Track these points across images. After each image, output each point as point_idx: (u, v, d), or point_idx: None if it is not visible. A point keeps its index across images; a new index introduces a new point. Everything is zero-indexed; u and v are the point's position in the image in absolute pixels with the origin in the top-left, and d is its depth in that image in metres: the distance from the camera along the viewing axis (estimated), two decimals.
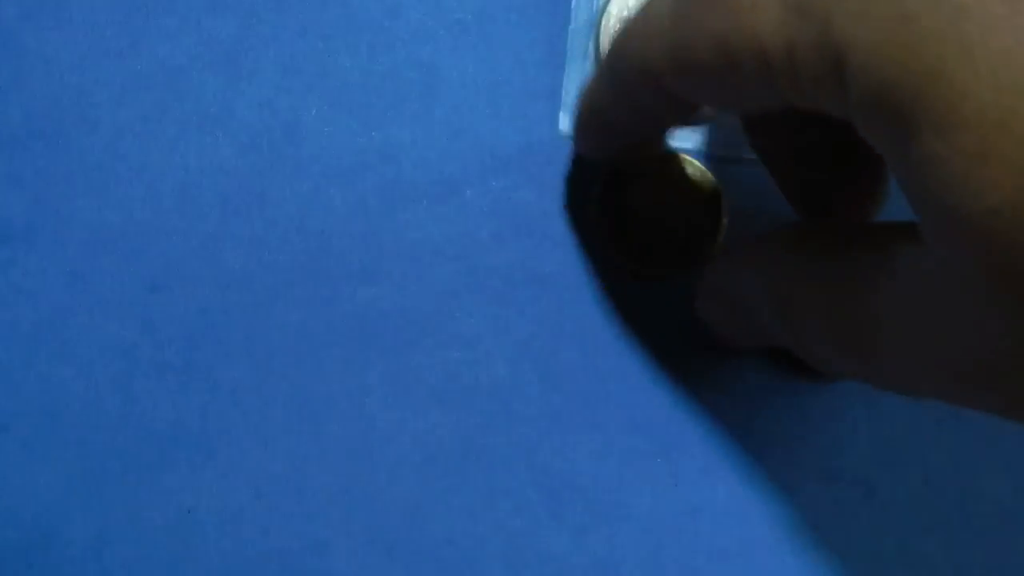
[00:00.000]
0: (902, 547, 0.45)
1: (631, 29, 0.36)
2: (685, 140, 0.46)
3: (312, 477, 0.46)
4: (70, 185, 0.47)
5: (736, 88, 0.34)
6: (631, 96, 0.37)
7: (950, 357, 0.32)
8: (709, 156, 0.46)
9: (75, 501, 0.46)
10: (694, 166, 0.45)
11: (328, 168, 0.47)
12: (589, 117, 0.40)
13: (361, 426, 0.46)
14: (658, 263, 0.45)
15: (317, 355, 0.46)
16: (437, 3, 0.47)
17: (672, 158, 0.45)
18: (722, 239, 0.45)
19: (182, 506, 0.46)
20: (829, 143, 0.40)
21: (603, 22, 0.46)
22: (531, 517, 0.45)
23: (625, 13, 0.46)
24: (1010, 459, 0.45)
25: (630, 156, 0.43)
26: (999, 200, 0.29)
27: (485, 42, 0.47)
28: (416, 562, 0.45)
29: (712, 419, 0.46)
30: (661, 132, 0.42)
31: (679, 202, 0.45)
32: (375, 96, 0.47)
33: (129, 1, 0.47)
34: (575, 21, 0.47)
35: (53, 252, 0.46)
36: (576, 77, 0.47)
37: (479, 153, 0.46)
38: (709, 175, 0.45)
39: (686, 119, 0.38)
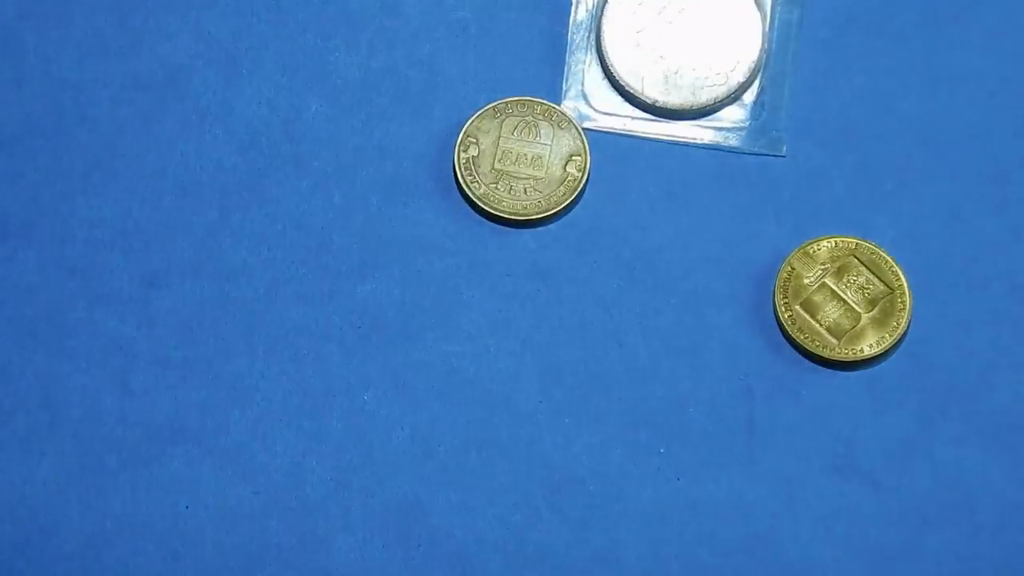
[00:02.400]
0: (907, 541, 0.45)
1: None
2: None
3: (311, 472, 0.46)
4: (69, 182, 0.47)
5: None
6: None
7: None
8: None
9: (73, 497, 0.46)
10: None
11: (327, 165, 0.47)
12: None
13: (361, 420, 0.46)
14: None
15: (316, 350, 0.47)
16: (437, 2, 0.48)
17: None
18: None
19: (180, 501, 0.46)
20: None
21: (605, 12, 0.47)
22: (531, 511, 0.46)
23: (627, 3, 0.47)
24: (1016, 454, 0.46)
25: None
26: None
27: (485, 41, 0.48)
28: (416, 557, 0.46)
29: (714, 412, 0.46)
30: None
31: None
32: (374, 94, 0.48)
33: (129, 1, 0.48)
34: (575, 14, 0.48)
35: (52, 248, 0.47)
36: (577, 71, 0.47)
37: None
38: None
39: None
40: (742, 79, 0.47)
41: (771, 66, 0.47)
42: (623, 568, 0.45)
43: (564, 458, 0.46)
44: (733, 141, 0.47)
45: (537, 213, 0.47)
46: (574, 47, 0.48)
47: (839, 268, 0.46)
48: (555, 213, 0.47)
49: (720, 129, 0.47)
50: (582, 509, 0.46)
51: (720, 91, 0.47)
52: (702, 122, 0.47)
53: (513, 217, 0.47)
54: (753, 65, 0.47)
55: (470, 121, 0.47)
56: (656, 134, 0.47)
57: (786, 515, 0.46)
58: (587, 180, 0.47)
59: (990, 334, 0.46)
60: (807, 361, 0.46)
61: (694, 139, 0.47)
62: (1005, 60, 0.48)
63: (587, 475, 0.46)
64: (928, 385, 0.46)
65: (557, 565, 0.46)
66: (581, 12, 0.48)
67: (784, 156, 0.47)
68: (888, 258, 0.46)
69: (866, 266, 0.46)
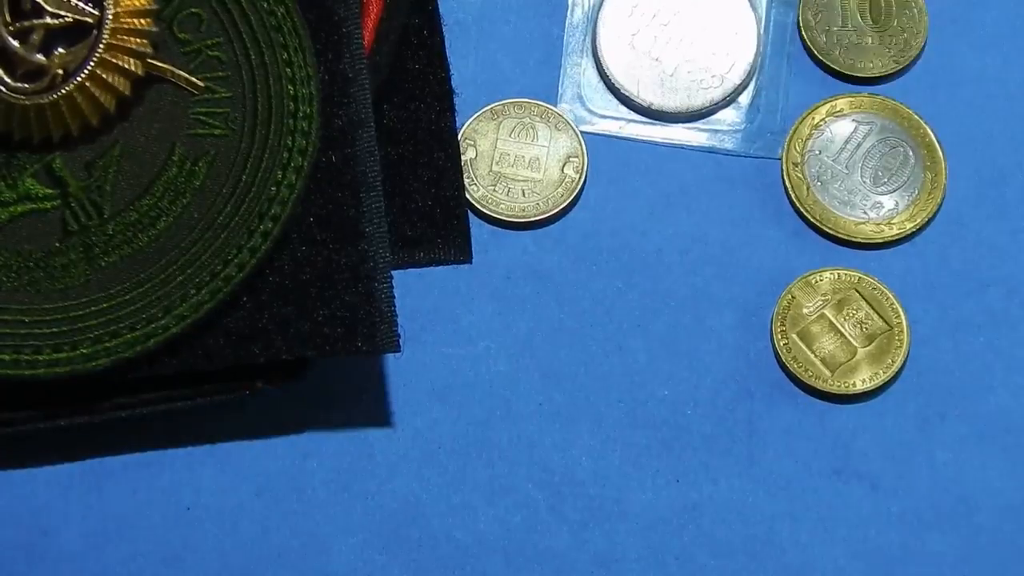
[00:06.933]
0: (907, 543, 0.46)
1: None
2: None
3: (311, 474, 0.46)
4: None
5: None
6: None
7: None
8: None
9: (74, 498, 0.46)
10: None
11: None
12: None
13: (361, 422, 0.47)
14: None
15: None
16: (437, 3, 0.48)
17: None
18: None
19: (181, 504, 0.46)
20: None
21: (601, 15, 0.48)
22: (531, 513, 0.46)
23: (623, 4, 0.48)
24: (1015, 455, 0.46)
25: None
26: None
27: (482, 43, 0.49)
28: (415, 559, 0.46)
29: (714, 414, 0.47)
30: None
31: None
32: None
33: None
34: (571, 17, 0.48)
35: None
36: (573, 74, 0.48)
37: None
38: None
39: None
40: (738, 81, 0.47)
41: (766, 68, 0.48)
42: (622, 570, 0.46)
43: (564, 460, 0.46)
44: (729, 144, 0.48)
45: (535, 215, 0.47)
46: (570, 50, 0.48)
47: (839, 301, 0.46)
48: (553, 215, 0.47)
49: (716, 132, 0.48)
50: (582, 511, 0.46)
51: (715, 94, 0.47)
52: (698, 125, 0.48)
53: (511, 219, 0.47)
54: (748, 67, 0.47)
55: (468, 123, 0.48)
56: (652, 137, 0.48)
57: (785, 517, 0.46)
58: (585, 182, 0.47)
59: (988, 336, 0.47)
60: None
61: (690, 142, 0.48)
62: (1005, 62, 0.48)
63: (587, 477, 0.46)
64: (927, 387, 0.47)
65: (557, 567, 0.46)
66: (577, 15, 0.48)
67: (780, 159, 0.48)
68: (889, 294, 0.46)
69: (867, 301, 0.46)
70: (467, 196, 0.47)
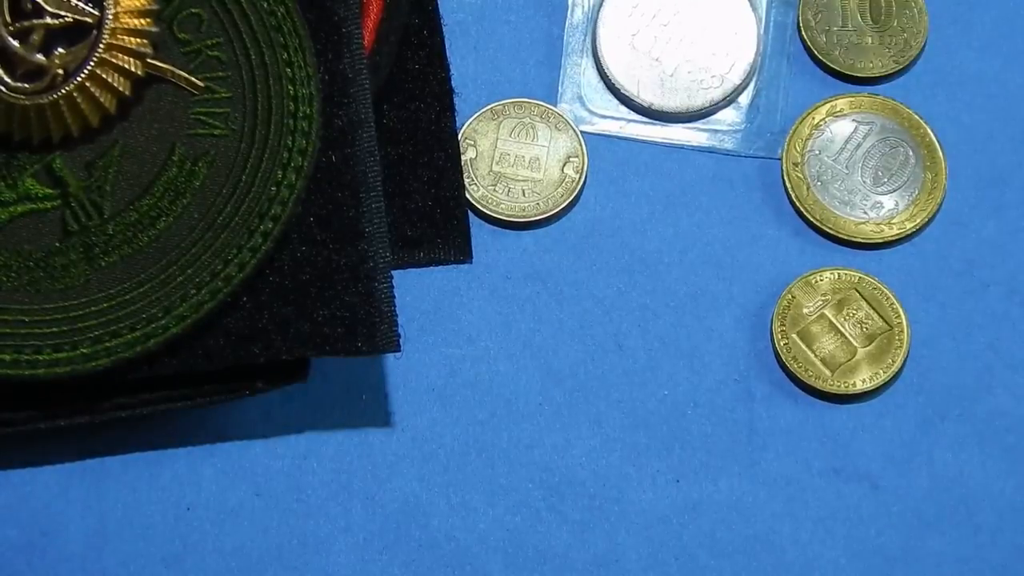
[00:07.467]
0: (907, 543, 0.46)
1: None
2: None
3: (311, 474, 0.47)
4: None
5: None
6: None
7: None
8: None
9: (74, 498, 0.46)
10: None
11: None
12: None
13: (361, 422, 0.47)
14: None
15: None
16: (437, 3, 0.48)
17: None
18: None
19: (181, 503, 0.46)
20: None
21: (601, 16, 0.48)
22: (531, 513, 0.46)
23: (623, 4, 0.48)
24: (1015, 456, 0.46)
25: None
26: None
27: (483, 43, 0.49)
28: (415, 559, 0.46)
29: (714, 414, 0.47)
30: None
31: None
32: None
33: None
34: (571, 17, 0.49)
35: None
36: (573, 74, 0.48)
37: None
38: None
39: None
40: (737, 81, 0.48)
41: (766, 68, 0.48)
42: (623, 570, 0.46)
43: (564, 460, 0.47)
44: (729, 144, 0.48)
45: (535, 215, 0.47)
46: (570, 50, 0.49)
47: (840, 300, 0.47)
48: (553, 215, 0.47)
49: (716, 132, 0.48)
50: (582, 511, 0.46)
51: (715, 94, 0.48)
52: (698, 125, 0.48)
53: (511, 219, 0.47)
54: (748, 67, 0.48)
55: (468, 123, 0.48)
56: (652, 137, 0.48)
57: (786, 517, 0.46)
58: (585, 182, 0.48)
59: (988, 336, 0.47)
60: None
61: (690, 142, 0.48)
62: (1005, 62, 0.48)
63: (587, 477, 0.46)
64: (927, 387, 0.47)
65: (557, 567, 0.46)
66: (577, 15, 0.49)
67: (780, 159, 0.48)
68: (889, 294, 0.47)
69: (867, 301, 0.47)
70: (467, 196, 0.47)
